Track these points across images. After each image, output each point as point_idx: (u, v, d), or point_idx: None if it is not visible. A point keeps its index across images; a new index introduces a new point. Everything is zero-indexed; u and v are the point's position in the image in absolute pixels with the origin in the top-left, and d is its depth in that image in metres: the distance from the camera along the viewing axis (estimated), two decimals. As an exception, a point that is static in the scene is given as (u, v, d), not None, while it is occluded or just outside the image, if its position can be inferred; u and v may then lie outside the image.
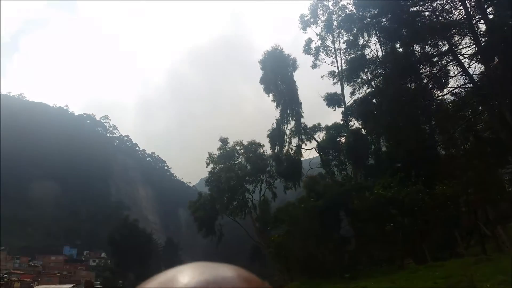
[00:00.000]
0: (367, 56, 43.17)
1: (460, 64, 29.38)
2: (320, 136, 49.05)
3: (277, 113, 49.26)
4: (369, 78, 42.43)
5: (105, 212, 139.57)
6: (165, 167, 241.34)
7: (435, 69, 31.76)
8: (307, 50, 49.01)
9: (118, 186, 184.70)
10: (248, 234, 56.51)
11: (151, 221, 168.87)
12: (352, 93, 45.51)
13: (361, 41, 43.39)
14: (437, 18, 30.58)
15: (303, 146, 48.39)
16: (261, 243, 50.24)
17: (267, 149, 54.37)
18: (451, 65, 30.76)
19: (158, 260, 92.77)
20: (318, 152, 47.91)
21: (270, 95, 49.97)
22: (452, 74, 31.23)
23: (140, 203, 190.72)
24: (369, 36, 42.20)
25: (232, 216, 55.49)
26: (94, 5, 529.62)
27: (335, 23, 47.64)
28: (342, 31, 46.50)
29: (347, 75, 44.66)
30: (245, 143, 57.70)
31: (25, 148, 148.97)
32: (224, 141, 58.11)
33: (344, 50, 45.96)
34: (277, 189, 54.88)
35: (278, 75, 49.46)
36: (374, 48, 43.10)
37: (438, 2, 30.56)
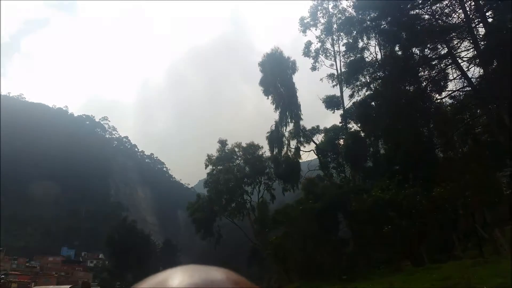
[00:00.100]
0: (367, 59, 43.33)
1: (459, 67, 29.49)
2: (318, 138, 49.25)
3: (276, 115, 49.42)
4: (368, 80, 42.56)
5: (104, 213, 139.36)
6: (164, 169, 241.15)
7: (434, 72, 31.89)
8: (306, 52, 49.17)
9: (117, 187, 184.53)
10: (247, 236, 56.49)
11: (150, 222, 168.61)
12: (351, 96, 45.71)
13: (360, 44, 43.58)
14: (436, 21, 30.71)
15: (301, 148, 48.56)
16: (259, 244, 50.21)
17: (265, 151, 54.56)
18: (450, 68, 30.93)
19: (156, 261, 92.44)
20: (316, 154, 48.02)
21: (270, 97, 50.10)
22: (451, 77, 31.45)
23: (139, 204, 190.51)
24: (368, 39, 42.35)
25: (231, 217, 55.54)
26: (94, 5, 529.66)
27: (335, 25, 47.80)
28: (341, 33, 46.67)
29: (346, 78, 44.82)
30: (244, 145, 57.86)
31: (25, 149, 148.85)
32: (223, 143, 58.23)
33: (344, 53, 46.18)
34: (275, 191, 54.97)
35: (277, 78, 49.58)
36: (373, 51, 43.41)
37: (437, 5, 30.70)
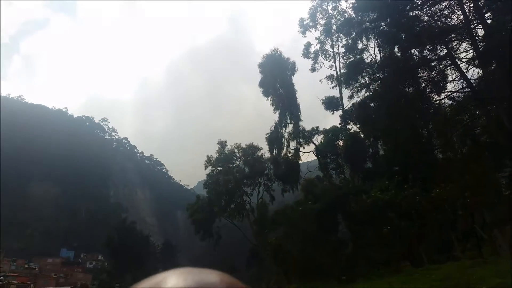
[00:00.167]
0: (366, 60, 43.41)
1: (458, 69, 29.56)
2: (318, 139, 49.24)
3: (275, 116, 49.47)
4: (368, 82, 42.64)
5: (103, 214, 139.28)
6: (164, 170, 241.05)
7: (433, 73, 31.94)
8: (306, 53, 49.22)
9: (116, 188, 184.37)
10: (246, 237, 56.51)
11: (149, 224, 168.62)
12: (351, 97, 45.78)
13: (359, 45, 43.62)
14: (435, 22, 30.79)
15: (301, 149, 48.55)
16: (259, 245, 50.24)
17: (265, 152, 54.64)
18: (449, 70, 30.98)
19: (156, 263, 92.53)
20: (316, 155, 48.03)
21: (269, 98, 50.15)
22: (450, 78, 31.48)
23: (138, 205, 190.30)
24: (367, 40, 42.43)
25: (230, 218, 55.58)
26: (93, 5, 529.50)
27: (334, 27, 47.84)
28: (341, 35, 46.74)
29: (345, 79, 44.89)
30: (243, 146, 57.94)
31: (24, 150, 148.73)
32: (222, 144, 58.31)
33: (343, 54, 46.19)
34: (275, 192, 55.05)
35: (277, 79, 49.64)
36: (372, 52, 43.39)
37: (436, 6, 30.78)
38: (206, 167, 57.71)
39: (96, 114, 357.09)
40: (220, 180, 54.63)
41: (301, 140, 48.55)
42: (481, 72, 28.87)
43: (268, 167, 54.63)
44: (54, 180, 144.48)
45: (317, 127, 49.87)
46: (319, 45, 48.97)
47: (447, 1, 30.04)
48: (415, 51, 33.77)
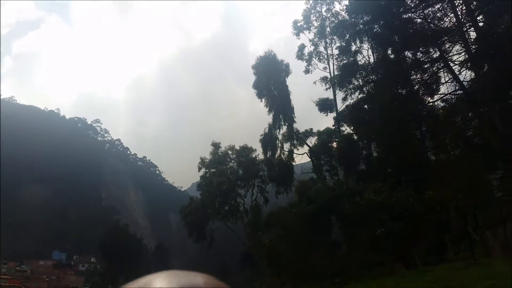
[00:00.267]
0: (359, 62, 43.50)
1: (450, 71, 29.70)
2: (312, 141, 49.30)
3: (269, 118, 49.47)
4: (361, 84, 42.77)
5: (96, 216, 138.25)
6: (157, 171, 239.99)
7: (426, 75, 32.10)
8: (300, 55, 49.29)
9: (109, 190, 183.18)
10: (239, 239, 56.38)
11: (142, 226, 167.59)
12: (344, 99, 45.82)
13: (353, 47, 43.70)
14: (428, 25, 30.94)
15: (295, 151, 48.59)
16: (252, 248, 50.13)
17: (259, 154, 54.64)
18: (442, 72, 31.12)
19: (148, 265, 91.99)
20: (310, 157, 48.06)
21: (263, 99, 50.15)
22: (443, 80, 31.60)
23: (131, 207, 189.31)
24: (361, 42, 42.55)
25: (224, 220, 55.45)
26: (86, 6, 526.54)
27: (328, 29, 48.00)
28: (334, 37, 46.86)
29: (339, 81, 44.99)
30: (237, 147, 57.90)
31: (16, 151, 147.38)
32: (216, 145, 58.23)
33: (337, 56, 46.29)
34: (268, 194, 55.00)
35: (271, 80, 49.70)
36: (366, 54, 43.49)
37: (429, 9, 30.95)
38: (199, 168, 57.64)
39: (88, 115, 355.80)
40: (214, 182, 54.53)
41: (295, 141, 48.59)
42: (473, 74, 29.02)
43: (262, 169, 54.61)
44: (46, 182, 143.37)
45: (311, 129, 49.96)
46: (313, 47, 49.17)
47: (440, 4, 30.22)
48: (408, 53, 33.94)
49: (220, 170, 55.91)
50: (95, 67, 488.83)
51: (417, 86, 33.19)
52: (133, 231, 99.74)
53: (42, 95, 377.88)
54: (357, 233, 30.55)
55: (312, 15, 49.00)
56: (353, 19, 41.25)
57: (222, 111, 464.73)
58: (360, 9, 38.15)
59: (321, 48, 48.96)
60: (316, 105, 48.27)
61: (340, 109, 46.88)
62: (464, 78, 29.95)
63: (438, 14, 30.50)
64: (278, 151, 49.10)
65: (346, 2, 44.80)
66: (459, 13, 28.70)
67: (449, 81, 30.58)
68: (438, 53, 30.44)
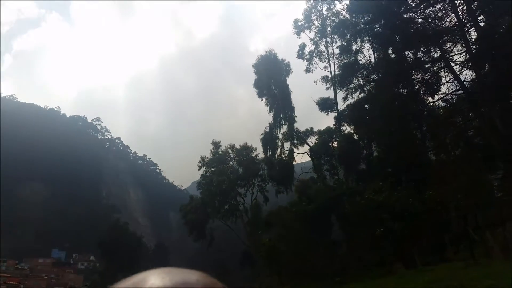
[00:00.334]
0: (360, 62, 43.53)
1: (451, 71, 29.67)
2: (312, 140, 49.31)
3: (270, 117, 49.47)
4: (362, 83, 42.78)
5: (95, 215, 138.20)
6: (157, 170, 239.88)
7: (427, 75, 32.07)
8: (300, 55, 49.27)
9: (109, 188, 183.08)
10: (239, 238, 56.35)
11: (142, 224, 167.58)
12: (345, 98, 45.87)
13: (354, 47, 43.73)
14: (429, 25, 30.90)
15: (295, 150, 48.61)
16: (252, 247, 50.11)
17: (259, 153, 54.61)
18: (443, 72, 31.10)
19: (148, 264, 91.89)
20: (310, 157, 48.05)
21: (264, 99, 50.14)
22: (443, 80, 31.59)
23: (131, 206, 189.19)
24: (362, 42, 42.58)
25: (224, 219, 55.41)
26: (87, 5, 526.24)
27: (329, 28, 48.00)
28: (335, 36, 46.90)
29: (340, 80, 44.97)
30: (237, 146, 57.86)
31: (16, 150, 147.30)
32: (216, 144, 58.17)
33: (337, 56, 46.34)
34: (268, 193, 54.96)
35: (271, 80, 49.68)
36: (367, 54, 43.53)
37: (430, 9, 30.90)
38: (199, 167, 57.60)
39: (89, 114, 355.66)
40: (214, 181, 54.48)
41: (295, 141, 48.59)
42: (474, 74, 29.01)
43: (262, 168, 54.58)
44: (46, 180, 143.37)
45: (312, 128, 49.98)
46: (313, 46, 49.18)
47: (440, 4, 30.18)
48: (409, 53, 33.91)
49: (220, 169, 55.88)
50: (95, 66, 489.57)
51: (417, 86, 33.19)
52: (133, 230, 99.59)
53: (42, 93, 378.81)
54: (357, 233, 30.54)
55: (313, 15, 49.01)
56: (354, 19, 41.23)
57: (222, 110, 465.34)
58: (361, 9, 38.11)
59: (322, 48, 49.03)
60: (316, 104, 48.32)
61: (341, 109, 46.94)
62: (465, 78, 29.97)
63: (439, 14, 30.49)
64: (279, 150, 49.17)
65: (347, 2, 44.90)
66: (460, 13, 28.67)
67: (450, 81, 30.58)
68: (439, 53, 30.43)
